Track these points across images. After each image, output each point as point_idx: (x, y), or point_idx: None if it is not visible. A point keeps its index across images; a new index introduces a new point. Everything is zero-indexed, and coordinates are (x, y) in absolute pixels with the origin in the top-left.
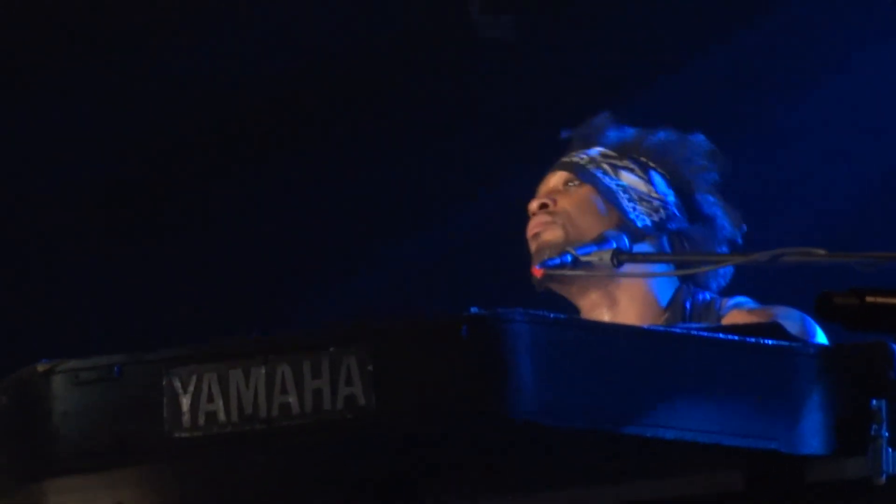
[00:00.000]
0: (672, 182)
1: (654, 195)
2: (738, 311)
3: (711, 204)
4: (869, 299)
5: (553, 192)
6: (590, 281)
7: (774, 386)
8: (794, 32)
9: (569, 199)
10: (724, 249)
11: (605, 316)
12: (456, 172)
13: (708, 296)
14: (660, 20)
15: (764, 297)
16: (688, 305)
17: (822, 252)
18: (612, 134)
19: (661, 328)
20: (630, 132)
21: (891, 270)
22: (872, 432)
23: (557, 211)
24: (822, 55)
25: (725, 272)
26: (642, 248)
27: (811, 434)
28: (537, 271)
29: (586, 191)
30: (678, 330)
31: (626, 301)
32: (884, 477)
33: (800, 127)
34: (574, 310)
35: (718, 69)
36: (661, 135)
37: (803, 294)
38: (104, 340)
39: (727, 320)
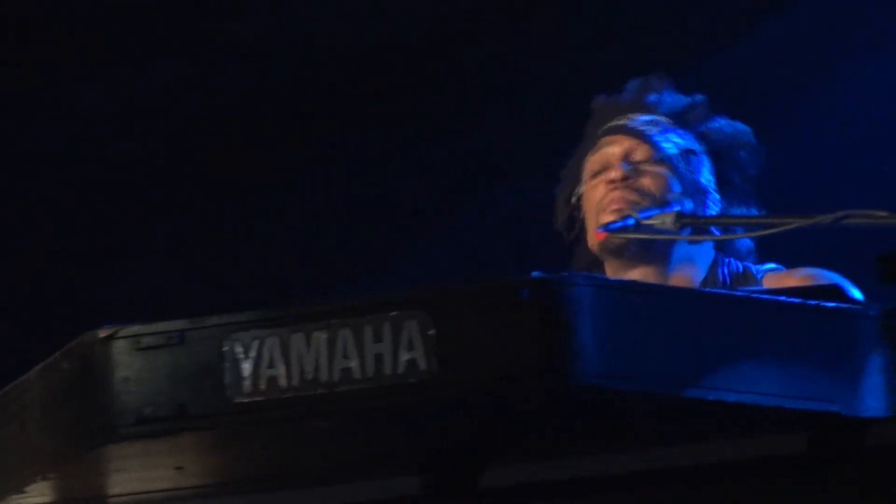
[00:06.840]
0: (714, 170)
1: (710, 185)
2: (775, 275)
3: (746, 199)
4: None
5: (632, 164)
6: (646, 252)
7: (836, 348)
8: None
9: (650, 179)
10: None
11: None
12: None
13: (740, 266)
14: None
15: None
16: (723, 277)
17: (884, 214)
18: (668, 102)
19: (724, 291)
20: (684, 105)
21: None
22: None
23: (642, 189)
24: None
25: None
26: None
27: (873, 396)
28: (599, 234)
29: (664, 171)
30: (740, 293)
31: (674, 277)
32: None
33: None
34: None
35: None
36: (716, 123)
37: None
38: (166, 306)
39: (767, 285)
